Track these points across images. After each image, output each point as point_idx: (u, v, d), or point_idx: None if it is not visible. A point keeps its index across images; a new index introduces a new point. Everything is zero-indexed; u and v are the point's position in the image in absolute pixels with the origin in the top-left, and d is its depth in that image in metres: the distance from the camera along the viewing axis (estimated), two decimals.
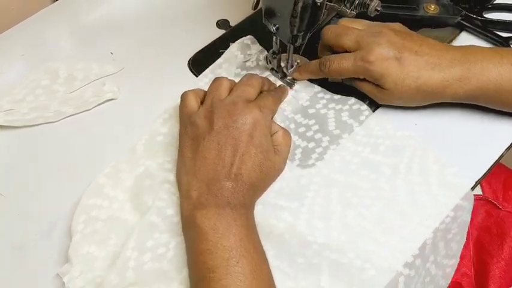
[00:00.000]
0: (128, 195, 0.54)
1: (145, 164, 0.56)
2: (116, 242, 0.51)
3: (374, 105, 0.60)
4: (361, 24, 0.58)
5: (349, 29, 0.57)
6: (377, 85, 0.56)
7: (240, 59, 0.65)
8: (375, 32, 0.55)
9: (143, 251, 0.50)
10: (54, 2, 0.74)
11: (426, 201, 0.53)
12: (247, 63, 0.65)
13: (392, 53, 0.54)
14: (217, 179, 0.48)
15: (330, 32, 0.58)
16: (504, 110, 0.58)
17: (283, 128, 0.55)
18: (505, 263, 0.70)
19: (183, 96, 0.55)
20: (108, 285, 0.48)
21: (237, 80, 0.57)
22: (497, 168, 0.75)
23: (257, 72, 0.63)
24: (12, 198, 0.56)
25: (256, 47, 0.66)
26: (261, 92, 0.57)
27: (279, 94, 0.58)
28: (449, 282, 0.58)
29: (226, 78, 0.56)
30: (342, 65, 0.56)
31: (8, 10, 0.72)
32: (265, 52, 0.65)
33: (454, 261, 0.58)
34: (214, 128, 0.50)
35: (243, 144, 0.50)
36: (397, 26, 0.59)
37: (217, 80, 0.56)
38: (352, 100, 0.60)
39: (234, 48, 0.66)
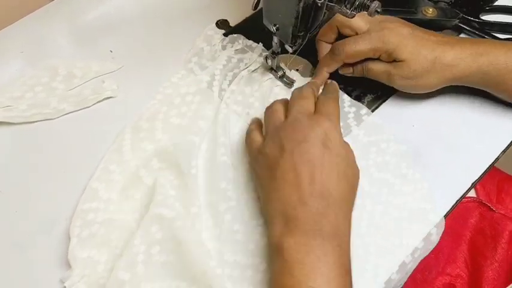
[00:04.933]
0: (123, 196, 0.54)
1: (135, 164, 0.56)
2: (116, 243, 0.51)
3: (374, 105, 0.61)
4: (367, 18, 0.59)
5: (361, 14, 0.57)
6: (392, 61, 0.56)
7: (207, 51, 0.66)
8: (386, 17, 0.58)
9: (151, 244, 0.50)
10: None
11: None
12: (215, 54, 0.66)
13: (405, 30, 0.56)
14: (302, 200, 0.44)
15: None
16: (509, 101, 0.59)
17: None
18: (499, 265, 0.70)
19: (248, 136, 0.54)
20: (118, 283, 0.47)
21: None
22: (491, 170, 0.76)
23: (224, 58, 0.64)
24: (11, 195, 0.56)
25: (218, 37, 0.67)
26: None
27: (335, 95, 0.55)
28: None
29: (277, 101, 0.54)
30: (357, 44, 0.56)
31: (7, 7, 0.72)
32: (227, 39, 0.67)
33: None
34: (286, 149, 0.46)
35: (321, 157, 0.46)
36: None
37: (269, 108, 0.53)
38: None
39: (200, 41, 0.67)
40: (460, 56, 0.55)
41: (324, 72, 0.60)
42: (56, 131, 0.60)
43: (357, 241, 0.49)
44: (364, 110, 0.60)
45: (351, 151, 0.49)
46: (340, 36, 0.59)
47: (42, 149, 0.59)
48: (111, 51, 0.68)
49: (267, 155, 0.48)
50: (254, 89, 0.62)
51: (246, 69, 0.64)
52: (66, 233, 0.52)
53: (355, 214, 0.48)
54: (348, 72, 0.60)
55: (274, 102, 0.54)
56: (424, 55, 0.55)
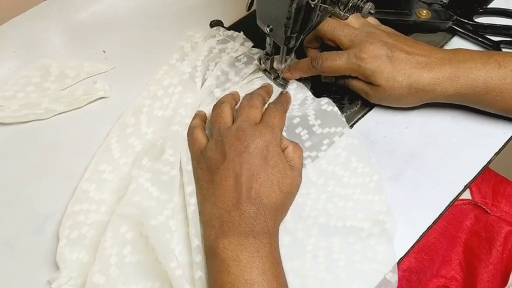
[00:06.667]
0: (115, 198, 0.54)
1: (124, 162, 0.56)
2: None
3: (367, 107, 0.61)
4: (356, 21, 0.60)
5: (345, 26, 0.58)
6: (369, 83, 0.57)
7: (187, 49, 0.66)
8: (369, 32, 0.57)
9: (122, 245, 0.50)
10: None
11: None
12: (196, 46, 0.66)
13: (384, 52, 0.55)
14: (237, 205, 0.47)
15: (327, 25, 0.58)
16: (493, 112, 0.58)
17: (292, 141, 0.54)
18: (494, 268, 0.70)
19: (190, 133, 0.56)
20: (94, 287, 0.47)
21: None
22: (486, 173, 0.76)
23: (205, 48, 0.64)
24: (1, 195, 0.56)
25: (199, 35, 0.67)
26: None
27: (284, 106, 0.58)
28: None
29: (226, 103, 0.56)
30: (334, 62, 0.57)
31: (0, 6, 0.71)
32: (208, 33, 0.67)
33: None
34: (227, 156, 0.49)
35: (258, 167, 0.49)
36: (389, 28, 0.60)
37: (217, 108, 0.55)
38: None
39: (181, 42, 0.67)
40: (437, 80, 0.55)
41: (297, 75, 0.62)
42: (48, 132, 0.60)
43: (299, 224, 0.53)
44: (325, 100, 0.60)
45: (287, 162, 0.52)
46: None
47: (34, 149, 0.59)
48: (104, 52, 0.67)
49: (209, 159, 0.51)
50: (241, 85, 0.62)
51: (228, 55, 0.64)
52: (56, 234, 0.52)
53: (299, 200, 0.53)
54: (330, 80, 0.61)
55: (223, 102, 0.56)
56: (399, 82, 0.55)
